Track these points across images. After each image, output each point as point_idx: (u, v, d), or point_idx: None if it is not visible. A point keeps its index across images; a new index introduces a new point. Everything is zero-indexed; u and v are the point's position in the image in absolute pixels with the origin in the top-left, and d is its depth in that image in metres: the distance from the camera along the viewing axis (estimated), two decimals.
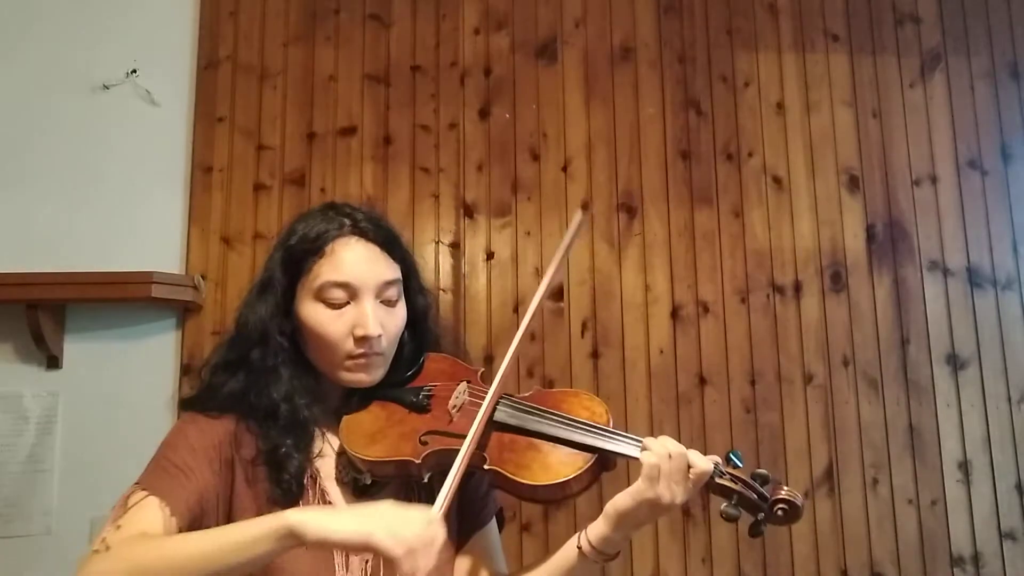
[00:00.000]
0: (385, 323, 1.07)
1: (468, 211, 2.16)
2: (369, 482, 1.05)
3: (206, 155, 2.14)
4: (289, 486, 1.02)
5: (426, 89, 2.21)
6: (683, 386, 2.10)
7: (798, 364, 2.13)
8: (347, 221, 1.08)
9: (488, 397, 1.03)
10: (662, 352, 2.12)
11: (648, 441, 0.99)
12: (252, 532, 0.86)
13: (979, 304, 2.18)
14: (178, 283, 2.01)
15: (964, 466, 2.09)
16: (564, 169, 2.19)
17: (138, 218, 2.09)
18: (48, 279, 1.94)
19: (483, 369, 1.15)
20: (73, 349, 2.03)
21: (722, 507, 0.99)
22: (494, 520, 1.19)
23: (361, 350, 1.05)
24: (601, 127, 2.22)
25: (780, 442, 2.08)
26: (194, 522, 0.97)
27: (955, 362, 2.15)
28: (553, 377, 2.06)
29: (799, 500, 0.98)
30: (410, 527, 0.85)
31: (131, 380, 2.02)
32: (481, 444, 1.02)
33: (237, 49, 2.19)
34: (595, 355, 2.10)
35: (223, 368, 1.10)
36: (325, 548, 0.89)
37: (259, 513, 1.00)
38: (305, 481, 1.04)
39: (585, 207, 1.34)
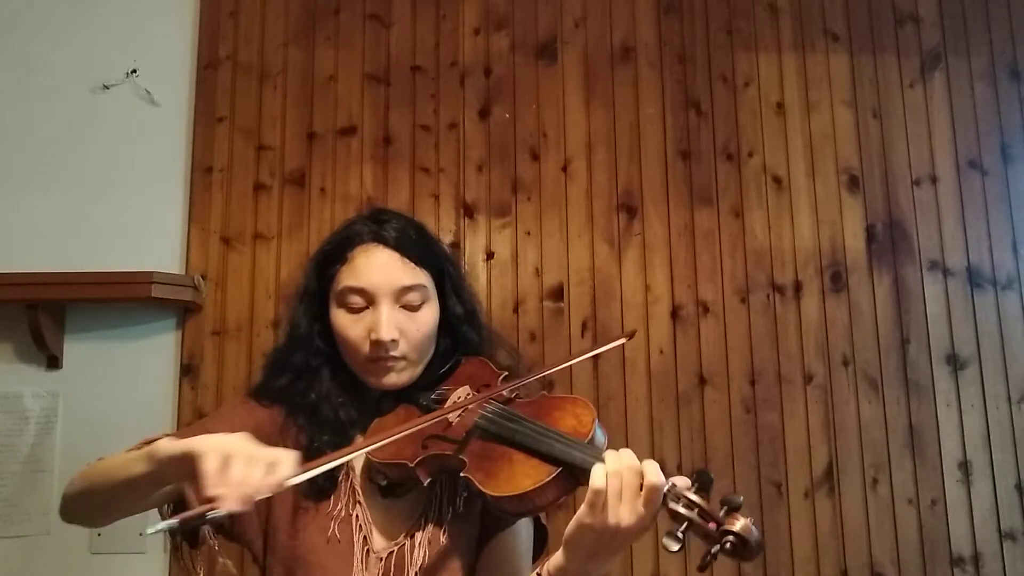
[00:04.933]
0: (405, 328, 1.09)
1: (468, 211, 2.16)
2: (383, 483, 1.06)
3: (206, 155, 2.14)
4: (314, 480, 1.03)
5: (426, 89, 2.21)
6: (683, 386, 2.10)
7: (798, 364, 2.13)
8: (374, 228, 1.12)
9: (462, 402, 1.04)
10: (662, 352, 2.12)
11: (607, 455, 0.91)
12: (137, 452, 0.94)
13: (979, 304, 2.18)
14: (178, 283, 2.01)
15: (964, 466, 2.09)
16: (564, 169, 2.19)
17: (138, 218, 2.09)
18: (48, 279, 1.94)
19: (506, 372, 1.13)
20: (73, 349, 2.03)
21: (667, 532, 0.85)
22: (521, 526, 1.14)
23: (376, 354, 1.08)
24: (601, 127, 2.22)
25: (780, 442, 2.08)
26: None
27: (955, 362, 2.14)
28: (553, 377, 2.06)
29: (753, 536, 0.84)
30: (239, 441, 0.84)
31: (131, 380, 2.02)
32: (466, 451, 1.01)
33: (237, 49, 2.19)
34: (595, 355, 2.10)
35: (273, 367, 1.17)
36: (175, 463, 0.86)
37: (294, 504, 1.07)
38: (339, 478, 1.08)
39: (631, 336, 1.32)
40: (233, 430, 0.99)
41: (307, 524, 1.06)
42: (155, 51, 2.17)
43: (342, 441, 1.09)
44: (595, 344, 1.21)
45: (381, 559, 1.05)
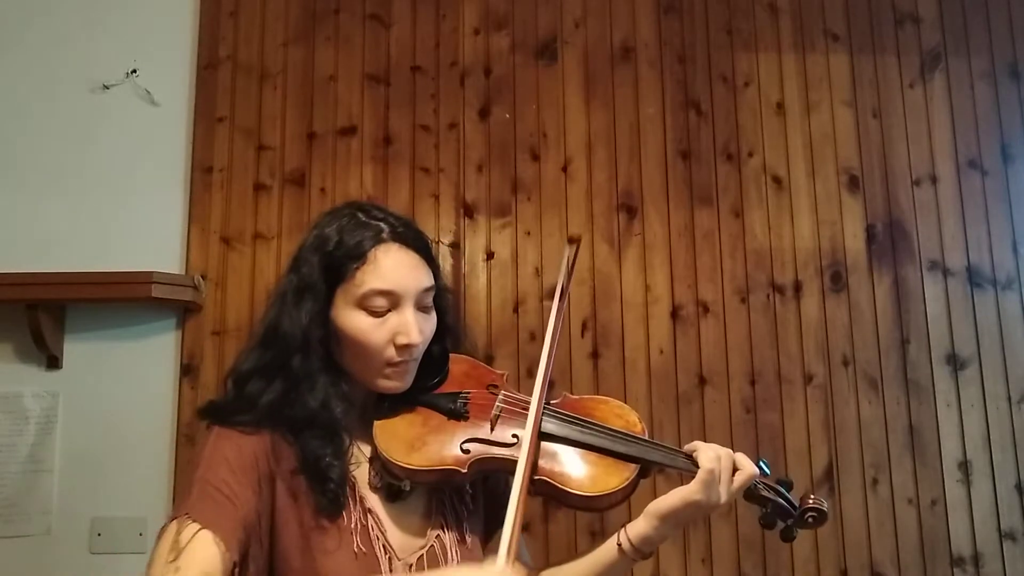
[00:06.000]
0: (423, 330, 1.07)
1: (468, 211, 2.16)
2: (408, 488, 1.06)
3: (206, 155, 2.14)
4: (335, 495, 1.02)
5: (426, 89, 2.21)
6: (683, 386, 2.10)
7: (798, 364, 2.13)
8: (385, 227, 1.06)
9: (532, 410, 1.05)
10: (662, 352, 2.12)
11: (699, 445, 1.06)
12: None
13: (979, 304, 2.18)
14: (178, 283, 2.01)
15: (964, 466, 2.09)
16: (564, 169, 2.19)
17: (138, 218, 2.09)
18: (48, 279, 1.94)
19: (507, 372, 1.17)
20: (73, 349, 2.03)
21: (760, 515, 1.09)
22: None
23: (402, 358, 1.05)
24: (601, 127, 2.22)
25: (780, 442, 2.08)
26: (242, 550, 0.96)
27: (955, 362, 2.14)
28: (553, 377, 2.04)
29: (825, 507, 1.09)
30: None
31: (131, 380, 2.02)
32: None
33: (237, 49, 2.19)
34: (595, 355, 2.10)
35: (257, 375, 1.06)
36: None
37: (302, 526, 1.01)
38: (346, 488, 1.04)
39: (572, 240, 1.36)
40: (235, 477, 0.99)
41: (325, 543, 1.00)
42: (155, 51, 2.17)
43: (341, 451, 1.05)
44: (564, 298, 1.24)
45: (410, 564, 1.03)
